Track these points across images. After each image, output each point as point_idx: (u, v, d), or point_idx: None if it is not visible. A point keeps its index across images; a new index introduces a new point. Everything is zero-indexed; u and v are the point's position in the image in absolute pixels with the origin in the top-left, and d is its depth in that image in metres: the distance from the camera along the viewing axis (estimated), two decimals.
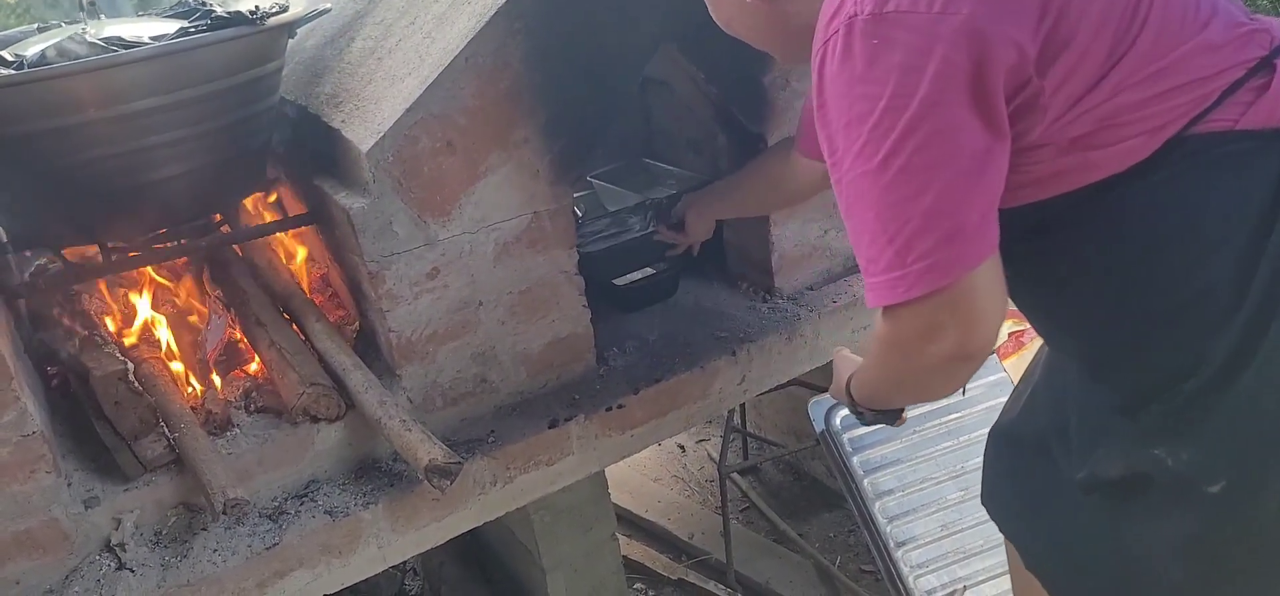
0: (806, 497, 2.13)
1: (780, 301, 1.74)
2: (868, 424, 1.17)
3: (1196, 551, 0.86)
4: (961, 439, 1.57)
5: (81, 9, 1.33)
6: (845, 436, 1.52)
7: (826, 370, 1.84)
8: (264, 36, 1.31)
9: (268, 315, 1.37)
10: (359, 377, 1.28)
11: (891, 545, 1.46)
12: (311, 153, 1.46)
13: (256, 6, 1.34)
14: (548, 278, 1.45)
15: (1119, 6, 0.78)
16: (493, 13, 1.26)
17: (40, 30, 1.40)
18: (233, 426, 1.27)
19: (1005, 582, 1.33)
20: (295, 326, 1.39)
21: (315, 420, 1.28)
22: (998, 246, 0.77)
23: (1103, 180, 0.80)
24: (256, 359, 1.37)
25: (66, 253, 1.36)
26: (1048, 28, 0.75)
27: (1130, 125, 0.78)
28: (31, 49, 1.27)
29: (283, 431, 1.28)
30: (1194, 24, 0.80)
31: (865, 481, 1.49)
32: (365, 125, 1.29)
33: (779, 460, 2.22)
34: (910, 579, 1.44)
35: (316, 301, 1.46)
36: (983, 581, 1.46)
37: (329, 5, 1.50)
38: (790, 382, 1.78)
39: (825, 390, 1.95)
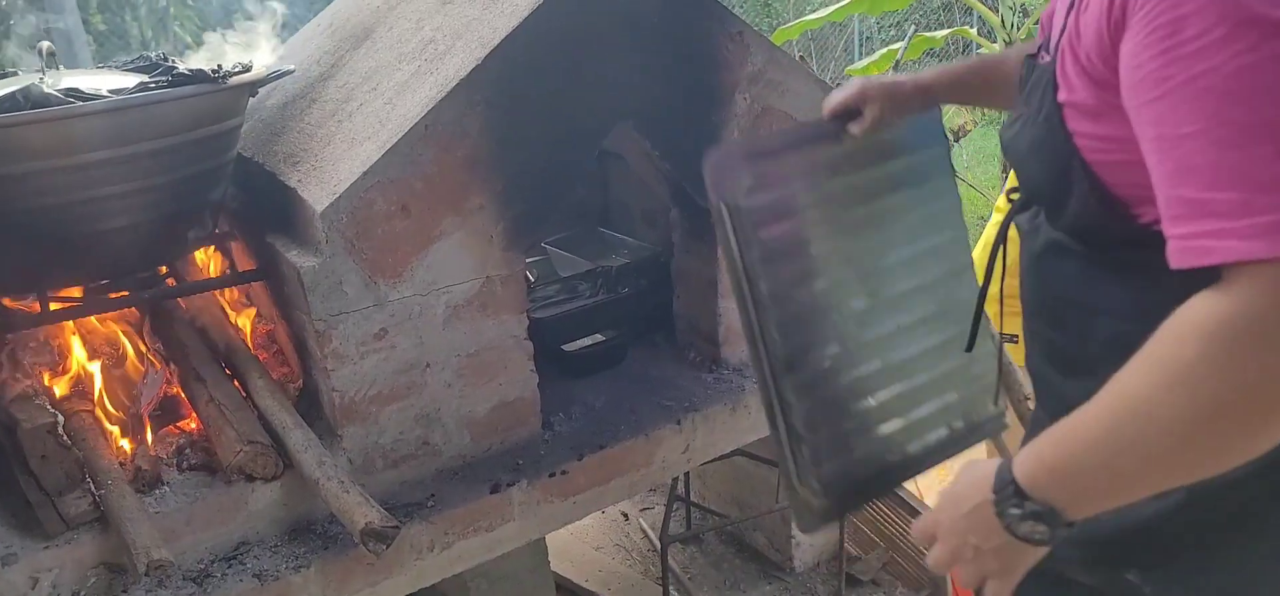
0: (747, 569, 2.14)
1: (726, 372, 1.78)
2: (1039, 541, 0.69)
3: None
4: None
5: (40, 58, 1.33)
6: (753, 217, 1.12)
7: (768, 441, 1.87)
8: (224, 94, 1.32)
9: (208, 370, 1.35)
10: (299, 436, 1.27)
11: (780, 366, 1.15)
12: (266, 209, 1.46)
13: (219, 65, 1.36)
14: (497, 342, 1.47)
15: None
16: (454, 84, 1.30)
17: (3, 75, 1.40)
18: (163, 483, 1.24)
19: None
20: (237, 382, 1.37)
21: (251, 479, 1.26)
22: None
23: None
24: (193, 415, 1.35)
25: (4, 300, 1.33)
26: None
27: None
28: None
29: (215, 490, 1.25)
30: None
31: (763, 285, 1.13)
32: (322, 186, 1.31)
33: (721, 531, 2.23)
34: (793, 404, 1.15)
35: (261, 357, 1.45)
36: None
37: (292, 67, 1.53)
38: (734, 453, 1.80)
39: (770, 462, 1.99)
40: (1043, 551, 0.69)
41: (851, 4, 3.29)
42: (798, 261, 1.18)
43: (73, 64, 7.73)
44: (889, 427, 1.26)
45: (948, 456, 1.30)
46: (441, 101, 1.29)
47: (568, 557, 2.15)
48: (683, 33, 1.49)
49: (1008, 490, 0.67)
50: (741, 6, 10.39)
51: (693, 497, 2.22)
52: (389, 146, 1.27)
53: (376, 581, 1.32)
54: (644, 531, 2.25)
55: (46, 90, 1.20)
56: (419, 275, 1.35)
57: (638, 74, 1.43)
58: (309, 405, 1.41)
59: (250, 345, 1.47)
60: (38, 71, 1.36)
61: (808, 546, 2.08)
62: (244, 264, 1.54)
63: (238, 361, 1.39)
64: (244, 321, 1.53)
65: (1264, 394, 0.56)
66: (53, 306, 1.29)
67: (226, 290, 1.57)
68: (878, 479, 1.26)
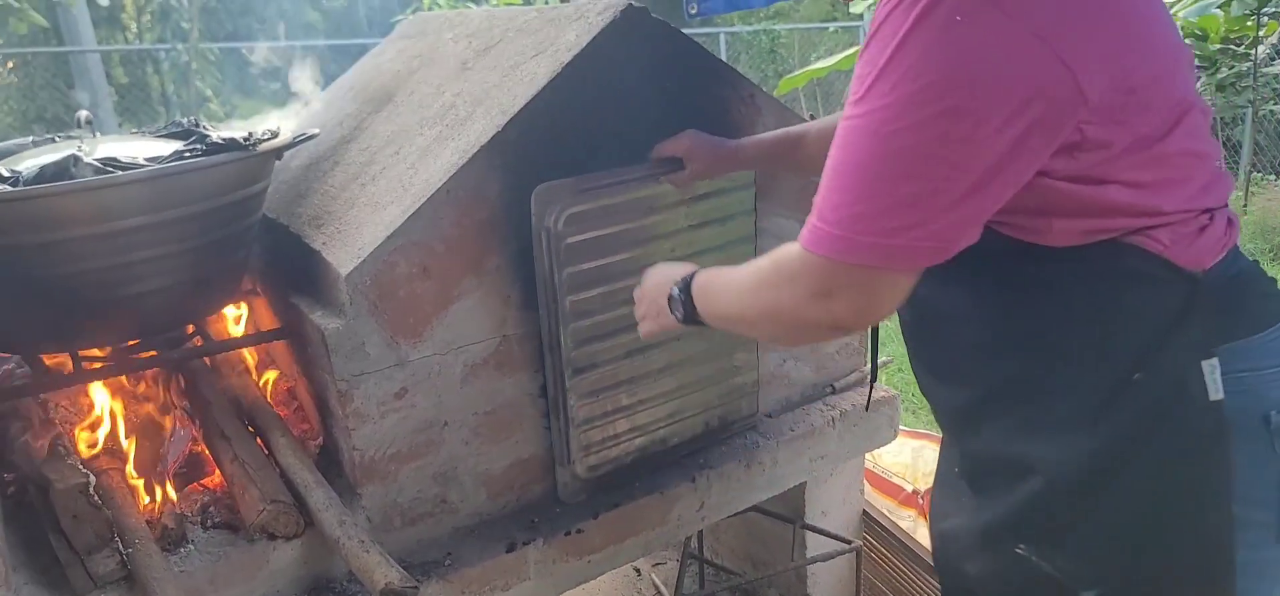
0: None
1: (738, 430, 1.80)
2: (679, 319, 1.08)
3: None
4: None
5: (78, 126, 1.40)
6: (565, 241, 1.39)
7: (784, 497, 1.89)
8: (253, 160, 1.38)
9: (232, 428, 1.39)
10: (320, 495, 1.29)
11: (568, 370, 1.47)
12: (289, 270, 1.51)
13: (249, 133, 1.42)
14: (513, 399, 1.50)
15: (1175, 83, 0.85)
16: (475, 149, 1.35)
17: (35, 143, 1.46)
18: (188, 542, 1.27)
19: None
20: (260, 440, 1.41)
21: (273, 537, 1.29)
22: (934, 242, 0.79)
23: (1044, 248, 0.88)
24: (217, 471, 1.38)
25: (38, 358, 1.38)
26: (1116, 78, 0.77)
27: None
28: (26, 164, 1.33)
29: (238, 548, 1.28)
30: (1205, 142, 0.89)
31: (567, 297, 1.42)
32: (345, 248, 1.35)
33: (735, 589, 2.22)
34: (575, 405, 1.50)
35: (282, 415, 1.49)
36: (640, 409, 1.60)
37: (316, 131, 1.59)
38: (749, 509, 1.82)
39: (784, 518, 2.00)
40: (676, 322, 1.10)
41: (856, 53, 3.37)
42: (600, 286, 1.47)
43: (96, 117, 7.96)
44: (653, 421, 1.64)
45: (700, 447, 1.72)
46: (463, 167, 1.34)
47: None
48: (698, 98, 1.55)
49: (682, 284, 1.07)
50: (748, 53, 10.56)
51: (706, 554, 2.22)
52: (412, 211, 1.32)
53: None
54: (657, 588, 2.24)
55: (85, 159, 1.25)
56: (439, 335, 1.38)
57: (654, 137, 1.48)
58: (329, 463, 1.44)
59: (272, 403, 1.51)
60: (76, 139, 1.43)
61: None
62: (267, 321, 1.58)
63: (260, 419, 1.43)
64: (267, 379, 1.57)
65: (783, 309, 0.90)
66: (84, 366, 1.34)
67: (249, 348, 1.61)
68: (639, 463, 1.63)
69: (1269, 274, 0.96)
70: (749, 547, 2.18)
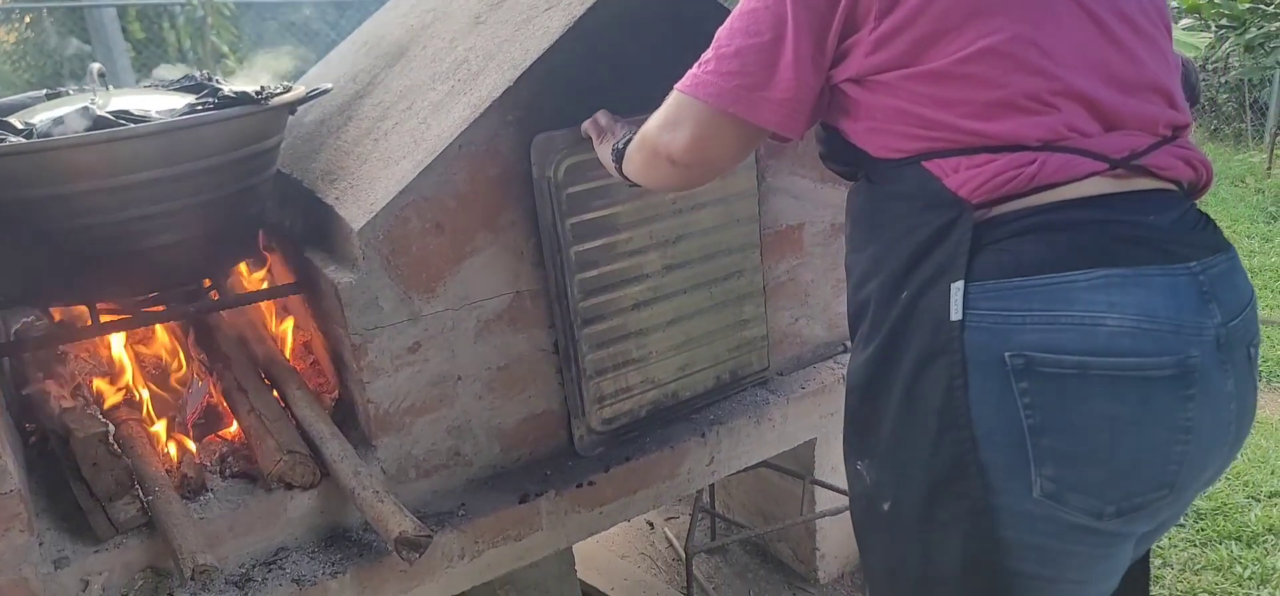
0: (772, 580, 2.14)
1: (748, 386, 1.79)
2: (617, 170, 1.21)
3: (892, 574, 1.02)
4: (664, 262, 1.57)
5: (93, 80, 1.38)
6: (567, 191, 1.41)
7: (794, 453, 1.89)
8: (266, 115, 1.36)
9: (249, 380, 1.39)
10: (335, 447, 1.30)
11: (578, 321, 1.48)
12: (304, 225, 1.50)
13: (262, 87, 1.40)
14: (526, 355, 1.49)
15: None
16: (487, 105, 1.33)
17: (48, 97, 1.45)
18: (207, 490, 1.28)
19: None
20: (276, 392, 1.41)
21: (289, 487, 1.29)
22: (777, 113, 0.96)
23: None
24: (235, 423, 1.39)
25: (55, 311, 1.38)
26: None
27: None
28: (40, 116, 1.32)
29: (256, 497, 1.29)
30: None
31: (572, 248, 1.44)
32: (358, 204, 1.34)
33: (746, 542, 2.23)
34: (587, 357, 1.51)
35: (298, 368, 1.49)
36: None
37: (329, 86, 1.57)
38: (759, 464, 1.81)
39: (794, 474, 2.00)
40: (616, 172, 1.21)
41: None
42: (603, 236, 1.47)
43: (112, 72, 7.94)
44: (665, 374, 1.63)
45: (712, 401, 1.71)
46: (475, 121, 1.32)
47: (594, 565, 2.16)
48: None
49: (619, 148, 1.18)
50: None
51: (717, 508, 2.22)
52: (424, 165, 1.30)
53: (409, 588, 1.34)
54: (669, 540, 2.26)
55: (98, 112, 1.24)
56: (452, 290, 1.37)
57: (667, 88, 1.45)
58: (344, 415, 1.44)
59: (288, 356, 1.51)
60: (89, 92, 1.41)
61: (832, 558, 2.08)
62: (283, 276, 1.58)
63: (276, 372, 1.43)
64: (282, 332, 1.57)
65: (647, 146, 1.09)
66: (102, 318, 1.34)
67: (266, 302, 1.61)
68: (651, 417, 1.63)
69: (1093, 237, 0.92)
70: (760, 502, 2.19)
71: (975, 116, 0.89)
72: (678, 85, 1.01)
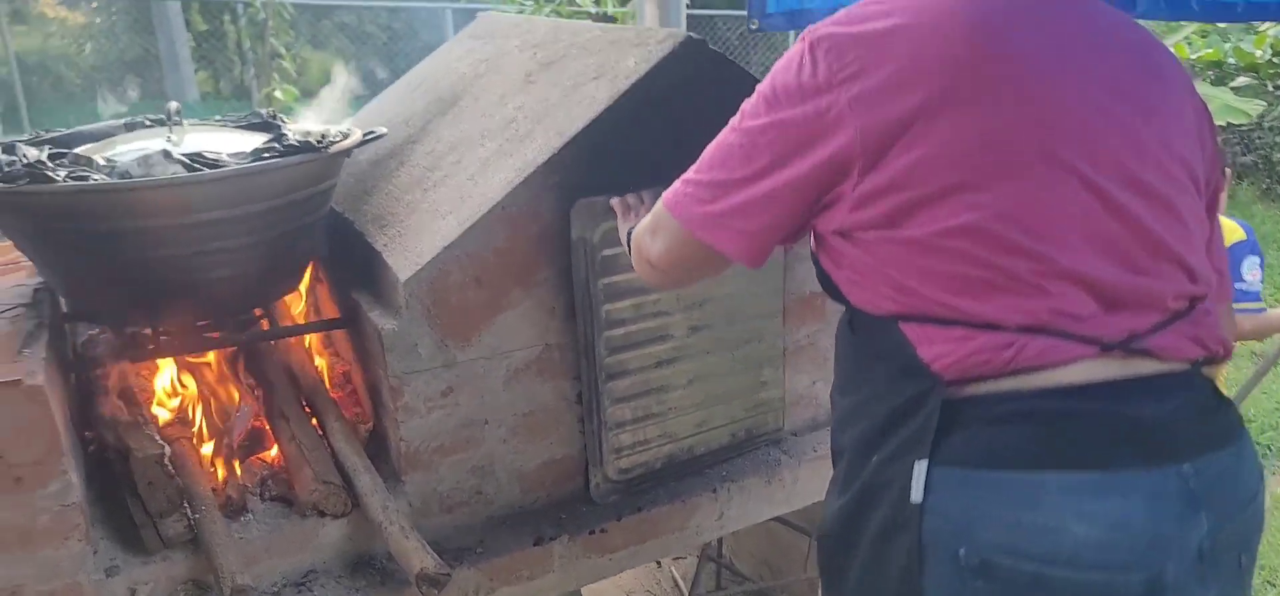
0: None
1: (763, 444, 1.83)
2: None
3: None
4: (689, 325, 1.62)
5: (168, 117, 1.47)
6: (601, 253, 1.47)
7: (804, 512, 1.92)
8: (325, 160, 1.44)
9: (291, 408, 1.47)
10: (367, 480, 1.37)
11: (603, 376, 1.53)
12: (352, 263, 1.58)
13: (324, 133, 1.48)
14: (550, 403, 1.55)
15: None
16: (532, 169, 1.39)
17: (128, 128, 1.55)
18: (247, 511, 1.35)
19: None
20: (315, 421, 1.49)
21: (322, 515, 1.36)
22: (736, 242, 0.96)
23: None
24: (276, 447, 1.47)
25: (122, 332, 1.47)
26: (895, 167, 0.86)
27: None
28: (120, 149, 1.41)
29: (291, 522, 1.36)
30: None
31: (603, 306, 1.49)
32: (405, 253, 1.41)
33: (750, 594, 2.27)
34: (609, 410, 1.56)
35: (337, 397, 1.56)
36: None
37: (384, 130, 1.64)
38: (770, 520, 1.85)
39: (802, 530, 2.03)
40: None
41: None
42: (632, 296, 1.52)
43: (173, 62, 8.17)
44: (682, 430, 1.67)
45: (726, 458, 1.74)
46: (519, 185, 1.39)
47: (599, 593, 2.22)
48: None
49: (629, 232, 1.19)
50: None
51: (725, 556, 2.26)
52: (468, 224, 1.37)
53: None
54: (675, 581, 2.30)
55: (175, 153, 1.33)
56: (486, 340, 1.44)
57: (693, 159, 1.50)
58: (377, 447, 1.51)
59: (329, 386, 1.58)
60: (164, 125, 1.51)
61: None
62: (329, 307, 1.66)
63: (317, 401, 1.51)
64: (324, 363, 1.65)
65: (635, 241, 1.12)
66: (162, 340, 1.42)
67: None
68: (666, 469, 1.67)
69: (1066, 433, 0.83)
70: (767, 553, 2.22)
71: (953, 292, 0.84)
72: (664, 194, 1.02)
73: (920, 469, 0.84)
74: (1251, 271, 2.35)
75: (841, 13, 0.90)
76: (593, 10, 5.49)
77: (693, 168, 1.00)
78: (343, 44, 9.75)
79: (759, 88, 0.95)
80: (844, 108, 0.85)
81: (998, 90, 0.82)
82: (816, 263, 1.04)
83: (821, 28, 0.89)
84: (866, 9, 0.89)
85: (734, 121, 0.97)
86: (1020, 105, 0.82)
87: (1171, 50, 0.98)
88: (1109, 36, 0.90)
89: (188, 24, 8.67)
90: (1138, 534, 0.78)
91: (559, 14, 5.53)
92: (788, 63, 0.91)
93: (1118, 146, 0.84)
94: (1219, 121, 4.71)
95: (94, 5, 9.35)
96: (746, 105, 0.96)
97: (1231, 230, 2.40)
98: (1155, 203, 0.86)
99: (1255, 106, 4.97)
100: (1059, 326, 0.82)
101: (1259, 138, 7.05)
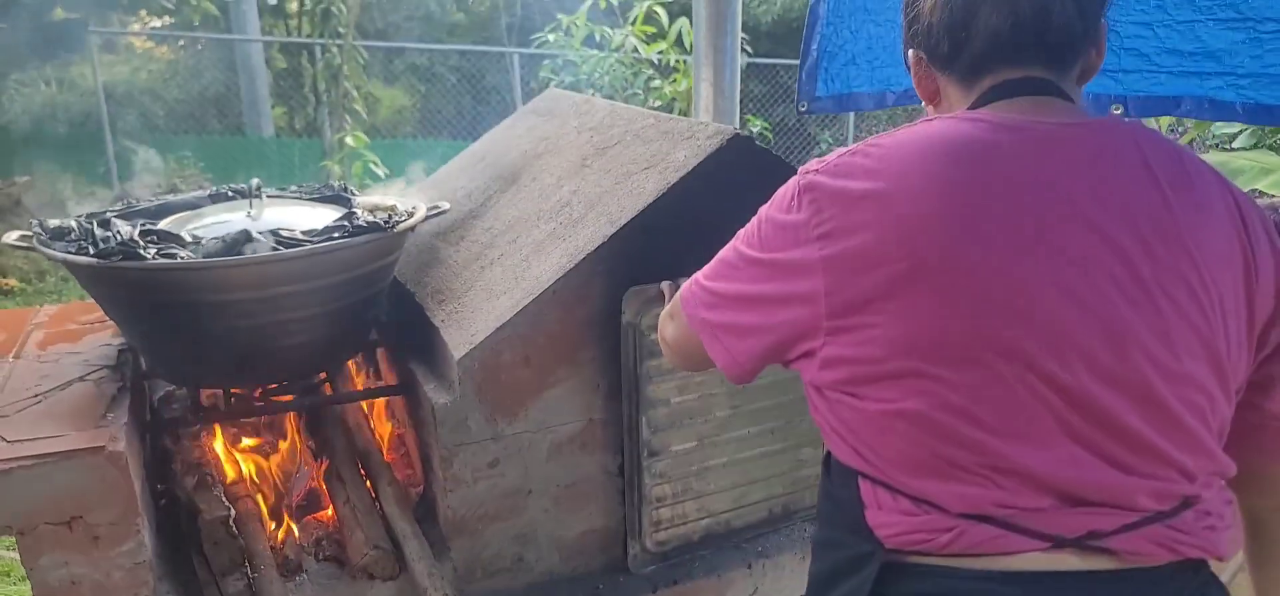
0: None
1: (797, 521, 1.81)
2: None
3: None
4: (731, 404, 1.64)
5: (250, 192, 1.56)
6: (650, 337, 1.49)
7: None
8: (391, 237, 1.50)
9: (347, 471, 1.52)
10: (415, 546, 1.41)
11: (645, 452, 1.55)
12: (411, 333, 1.63)
13: (391, 211, 1.54)
14: (593, 475, 1.57)
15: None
16: (583, 256, 1.43)
17: (212, 200, 1.64)
18: (302, 571, 1.40)
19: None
20: (369, 483, 1.54)
21: (372, 578, 1.40)
22: (722, 356, 0.96)
23: None
24: (331, 508, 1.52)
25: (195, 389, 1.54)
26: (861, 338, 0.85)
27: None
28: (206, 222, 1.50)
29: (343, 583, 1.40)
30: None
31: (647, 386, 1.53)
32: (460, 330, 1.46)
33: None
34: (649, 485, 1.57)
35: (391, 459, 1.61)
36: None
37: (447, 205, 1.71)
38: None
39: None
40: None
41: None
42: (676, 377, 1.55)
43: (252, 98, 8.49)
44: (720, 505, 1.68)
45: (763, 533, 1.74)
46: (570, 270, 1.42)
47: None
48: None
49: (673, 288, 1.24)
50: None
51: None
52: (520, 306, 1.41)
53: None
54: None
55: (254, 232, 1.40)
56: (532, 415, 1.47)
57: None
58: (426, 509, 1.55)
59: (384, 451, 1.63)
60: (245, 199, 1.59)
61: None
62: (387, 371, 1.72)
63: (372, 465, 1.56)
64: (380, 427, 1.70)
65: (661, 321, 1.12)
66: (233, 402, 1.49)
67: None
68: (703, 542, 1.68)
69: None
70: None
71: (901, 468, 0.82)
72: (682, 286, 1.04)
73: None
74: None
75: (836, 157, 0.87)
76: (655, 59, 5.54)
77: (704, 269, 1.00)
78: (413, 83, 10.05)
79: (760, 211, 0.94)
80: (816, 264, 0.83)
81: (960, 281, 0.77)
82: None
83: (811, 172, 0.87)
84: (855, 160, 0.84)
85: (738, 236, 0.97)
86: (981, 299, 0.77)
87: (1229, 185, 0.85)
88: (1121, 175, 0.81)
89: (268, 63, 9.03)
90: None
91: (623, 64, 5.61)
92: (782, 197, 0.89)
93: (1092, 341, 0.77)
94: (1276, 192, 4.40)
95: (181, 44, 9.75)
96: (749, 225, 0.95)
97: None
98: (1137, 397, 0.78)
99: None
100: (1005, 518, 0.79)
101: None
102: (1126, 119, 0.89)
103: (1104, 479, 0.78)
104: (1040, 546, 0.78)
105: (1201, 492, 0.81)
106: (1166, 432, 0.79)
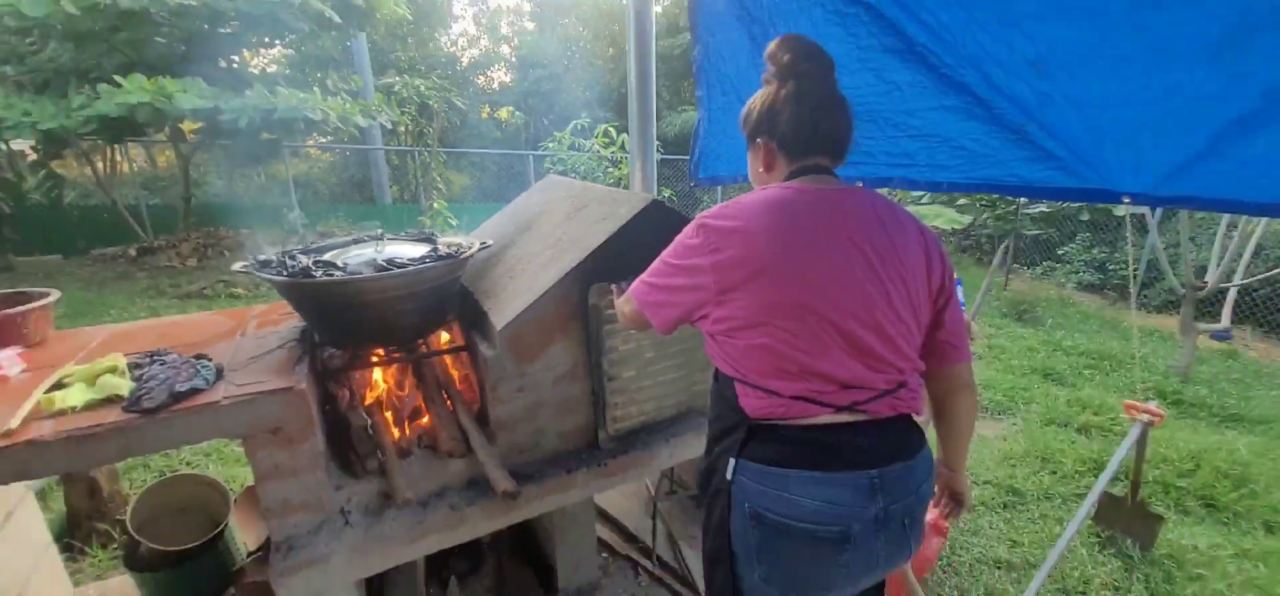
0: (700, 515, 2.18)
1: (694, 417, 1.87)
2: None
3: None
4: (654, 349, 1.61)
5: (376, 238, 1.56)
6: (604, 313, 1.49)
7: None
8: (459, 262, 1.53)
9: (435, 396, 1.53)
10: (476, 436, 1.43)
11: (605, 379, 1.53)
12: (471, 315, 1.64)
13: (460, 246, 1.56)
14: (576, 395, 1.58)
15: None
16: (566, 272, 1.45)
17: (356, 241, 1.63)
18: (411, 453, 1.42)
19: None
20: (449, 403, 1.55)
21: (451, 456, 1.43)
22: (656, 319, 0.96)
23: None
24: (427, 417, 1.54)
25: (347, 350, 1.54)
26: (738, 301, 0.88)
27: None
28: (351, 255, 1.49)
29: (436, 460, 1.42)
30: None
31: (606, 342, 1.51)
32: (499, 314, 1.48)
33: (688, 495, 2.30)
34: (609, 399, 1.55)
35: (461, 389, 1.63)
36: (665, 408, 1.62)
37: (491, 241, 1.72)
38: (696, 457, 1.88)
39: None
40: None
41: None
42: (620, 337, 1.50)
43: (377, 182, 8.27)
44: (649, 408, 1.65)
45: (673, 422, 1.69)
46: (559, 280, 1.45)
47: (604, 499, 2.24)
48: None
49: (621, 297, 1.10)
50: None
51: (675, 474, 2.29)
52: (532, 299, 1.43)
53: (510, 513, 1.45)
54: (648, 489, 2.34)
55: (379, 258, 1.42)
56: (541, 361, 1.50)
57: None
58: (482, 418, 1.57)
59: (457, 384, 1.65)
60: (374, 240, 1.59)
61: None
62: (458, 339, 1.73)
63: (451, 392, 1.57)
64: (454, 370, 1.72)
65: (619, 305, 1.04)
66: (369, 358, 1.49)
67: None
68: (641, 430, 1.64)
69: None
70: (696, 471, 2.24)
71: (758, 373, 0.89)
72: (633, 284, 1.03)
73: (732, 462, 0.91)
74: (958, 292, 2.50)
75: (717, 208, 0.94)
76: (609, 156, 5.61)
77: (645, 272, 1.01)
78: (471, 171, 9.91)
79: (678, 237, 0.98)
80: (708, 268, 0.90)
81: (786, 274, 0.86)
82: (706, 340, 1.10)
83: (704, 217, 0.94)
84: (727, 210, 0.93)
85: (667, 250, 0.99)
86: (797, 284, 0.86)
87: (919, 223, 0.98)
88: (864, 217, 0.90)
89: (387, 159, 8.77)
90: (839, 506, 0.84)
91: (592, 159, 5.66)
92: (688, 232, 0.95)
93: (854, 303, 0.87)
94: (946, 227, 4.79)
95: (337, 152, 9.43)
96: (673, 244, 0.98)
97: None
98: (882, 336, 0.89)
99: (966, 219, 5.13)
100: (812, 397, 0.88)
101: (972, 232, 7.33)
102: (864, 188, 0.98)
103: (859, 374, 0.88)
104: (829, 412, 0.87)
105: (908, 379, 0.92)
106: (889, 350, 0.89)
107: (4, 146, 5.37)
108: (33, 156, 5.38)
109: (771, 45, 0.96)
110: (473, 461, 1.45)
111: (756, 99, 0.99)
